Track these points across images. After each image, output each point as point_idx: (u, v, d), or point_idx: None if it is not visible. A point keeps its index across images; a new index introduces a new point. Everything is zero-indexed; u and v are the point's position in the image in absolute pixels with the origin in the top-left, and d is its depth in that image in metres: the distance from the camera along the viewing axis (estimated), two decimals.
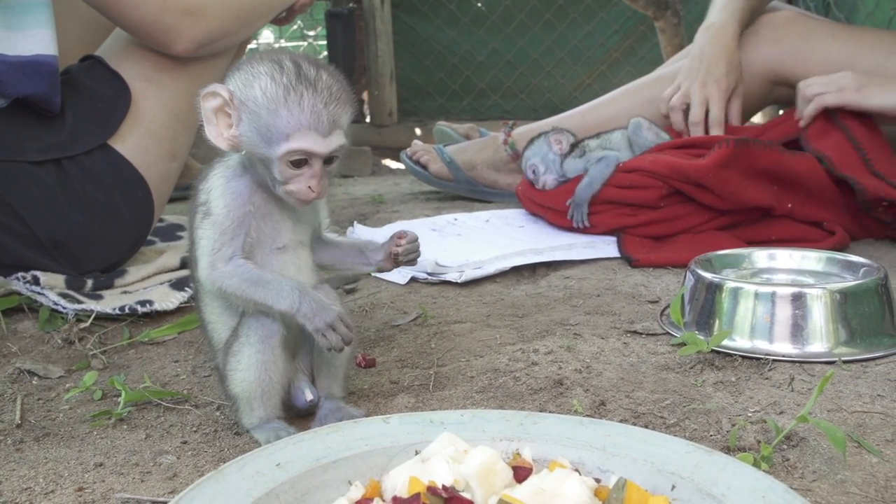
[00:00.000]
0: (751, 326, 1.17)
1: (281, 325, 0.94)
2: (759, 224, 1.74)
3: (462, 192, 2.41)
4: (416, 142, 2.53)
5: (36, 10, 1.41)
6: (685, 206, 1.73)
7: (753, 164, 1.69)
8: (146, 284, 1.52)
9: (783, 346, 1.15)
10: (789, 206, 1.73)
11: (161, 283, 1.50)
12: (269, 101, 0.88)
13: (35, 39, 1.40)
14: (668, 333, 1.26)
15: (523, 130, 2.31)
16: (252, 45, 4.17)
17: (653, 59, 3.67)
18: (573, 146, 1.90)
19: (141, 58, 1.56)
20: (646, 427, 0.93)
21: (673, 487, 0.73)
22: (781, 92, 2.20)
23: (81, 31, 1.74)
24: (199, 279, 0.96)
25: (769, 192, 1.71)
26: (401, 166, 3.55)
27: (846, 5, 3.17)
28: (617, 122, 2.17)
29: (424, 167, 2.42)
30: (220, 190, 0.93)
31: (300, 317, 0.90)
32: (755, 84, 2.17)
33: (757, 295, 1.18)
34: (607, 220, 1.78)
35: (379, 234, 1.95)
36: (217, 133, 0.91)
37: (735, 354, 1.15)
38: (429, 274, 1.61)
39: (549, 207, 1.88)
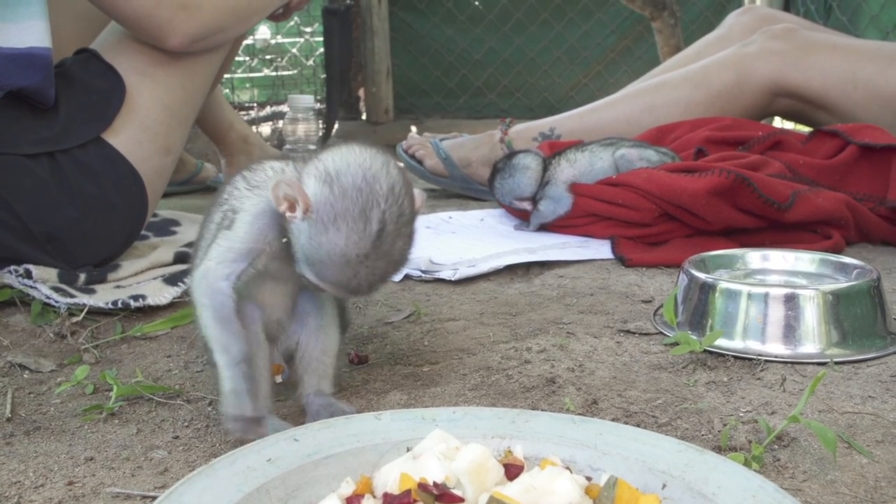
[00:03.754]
0: (743, 327, 1.18)
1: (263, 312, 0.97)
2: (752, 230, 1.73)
3: (456, 188, 2.40)
4: (412, 135, 2.51)
5: (30, 1, 1.40)
6: (679, 225, 1.72)
7: (745, 206, 1.66)
8: (139, 279, 1.51)
9: (775, 347, 1.15)
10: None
11: (154, 278, 1.50)
12: (329, 255, 0.85)
13: (29, 31, 1.39)
14: (661, 333, 1.26)
15: (521, 128, 2.31)
16: (249, 41, 4.18)
17: (649, 59, 3.68)
18: (554, 156, 1.90)
19: (136, 52, 1.55)
20: (637, 426, 0.93)
21: (664, 486, 0.73)
22: (782, 104, 2.20)
23: (76, 23, 1.73)
24: (192, 274, 0.96)
25: (761, 223, 1.69)
26: None
27: (849, 8, 3.18)
28: (616, 126, 2.17)
29: (420, 162, 2.41)
30: (247, 218, 0.93)
31: (224, 388, 0.90)
32: (756, 95, 2.17)
33: (750, 295, 1.19)
34: (599, 230, 1.78)
35: None
36: (277, 200, 0.87)
37: (727, 354, 1.15)
38: (422, 271, 1.61)
39: None
